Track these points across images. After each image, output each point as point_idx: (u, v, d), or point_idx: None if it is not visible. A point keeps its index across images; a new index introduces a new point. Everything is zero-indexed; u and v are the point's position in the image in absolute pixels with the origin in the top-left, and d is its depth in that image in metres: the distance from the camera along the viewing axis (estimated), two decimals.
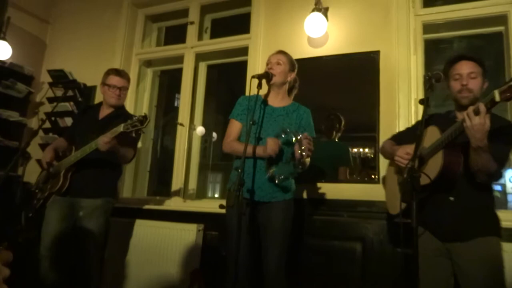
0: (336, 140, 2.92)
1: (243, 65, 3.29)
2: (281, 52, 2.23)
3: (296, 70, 2.23)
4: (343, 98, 2.93)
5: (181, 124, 3.50)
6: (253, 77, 1.99)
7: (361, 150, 3.00)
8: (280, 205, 2.00)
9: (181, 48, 3.72)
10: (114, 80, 2.71)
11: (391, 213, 2.10)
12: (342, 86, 2.94)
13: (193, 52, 3.66)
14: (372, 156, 2.80)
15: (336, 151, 2.92)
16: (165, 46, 3.96)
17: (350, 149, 2.92)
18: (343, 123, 2.93)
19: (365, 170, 2.83)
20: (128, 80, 2.77)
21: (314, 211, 2.71)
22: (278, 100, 2.13)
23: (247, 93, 2.76)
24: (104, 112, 2.74)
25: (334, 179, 2.81)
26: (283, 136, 1.95)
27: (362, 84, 2.86)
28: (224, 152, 2.14)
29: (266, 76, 2.08)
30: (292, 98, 2.24)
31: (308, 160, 1.90)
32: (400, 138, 2.16)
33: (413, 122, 2.62)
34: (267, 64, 2.17)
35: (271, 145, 1.89)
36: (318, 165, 2.53)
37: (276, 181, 1.95)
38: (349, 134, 2.96)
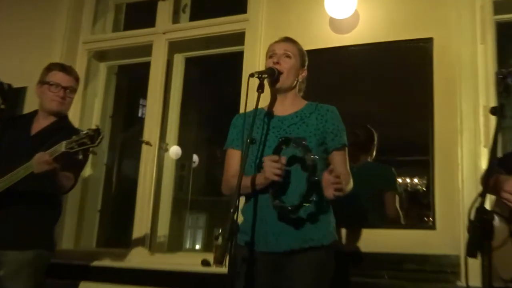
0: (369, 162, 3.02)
1: (237, 59, 3.38)
2: (289, 39, 2.28)
3: (306, 65, 2.30)
4: (378, 106, 3.03)
5: (148, 143, 3.56)
6: (251, 75, 2.04)
7: (407, 180, 3.12)
8: (308, 258, 2.03)
9: (149, 35, 3.81)
10: (58, 77, 2.78)
11: (502, 277, 2.06)
12: (377, 88, 3.03)
13: (166, 40, 3.75)
14: (424, 189, 2.88)
15: (376, 173, 3.03)
16: (125, 32, 4.05)
17: (394, 171, 3.02)
18: (376, 140, 3.02)
19: (414, 210, 2.94)
20: (77, 79, 2.86)
21: (340, 270, 2.63)
22: (286, 107, 2.19)
23: (243, 98, 2.90)
24: (40, 124, 2.78)
25: (373, 220, 2.89)
26: (283, 148, 2.00)
27: (407, 86, 2.96)
28: (224, 194, 2.22)
29: (271, 74, 2.12)
30: (303, 97, 2.31)
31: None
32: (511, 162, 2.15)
33: (482, 138, 2.71)
34: (270, 57, 2.21)
35: (268, 166, 1.93)
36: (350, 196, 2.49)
37: (289, 214, 1.99)
38: (387, 157, 3.05)
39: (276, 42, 2.26)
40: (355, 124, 2.93)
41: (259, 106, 2.07)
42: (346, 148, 2.18)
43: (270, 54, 2.22)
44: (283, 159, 1.93)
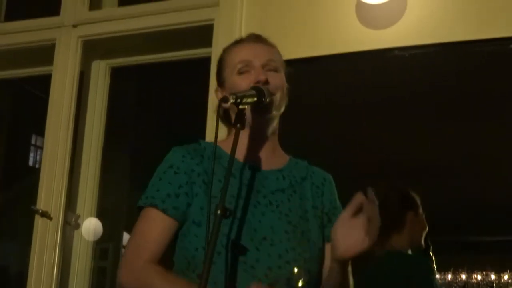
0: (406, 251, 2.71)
1: (199, 70, 3.12)
2: (264, 41, 1.93)
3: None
4: (434, 147, 2.87)
5: (44, 214, 3.06)
6: (224, 100, 1.62)
7: (492, 277, 3.00)
8: None
9: (49, 28, 3.37)
10: None
11: None
12: (437, 118, 2.85)
13: (78, 38, 3.28)
14: None
15: (401, 270, 2.61)
16: (7, 23, 3.62)
17: (435, 273, 2.68)
18: (420, 208, 2.64)
19: None
20: None
21: None
22: (266, 154, 1.88)
23: (209, 134, 2.77)
24: None
25: None
26: (284, 284, 1.65)
27: (494, 112, 2.78)
28: None
29: (258, 97, 1.72)
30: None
31: None
32: None
33: None
34: (241, 72, 1.86)
35: None
36: None
37: None
38: (442, 238, 2.79)
39: (246, 42, 1.92)
40: (387, 178, 2.78)
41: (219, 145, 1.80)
42: None
43: (240, 67, 1.86)
44: None
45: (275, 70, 1.84)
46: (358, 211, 1.62)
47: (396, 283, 2.59)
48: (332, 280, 1.71)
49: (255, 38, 1.91)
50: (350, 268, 1.77)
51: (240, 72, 1.83)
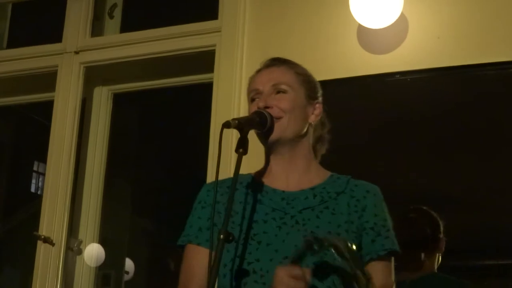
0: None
1: (203, 96, 3.21)
2: (278, 62, 1.95)
3: (321, 98, 2.01)
4: (447, 174, 2.72)
5: (47, 240, 3.05)
6: (226, 125, 1.70)
7: None
8: None
9: (51, 55, 3.37)
10: None
11: None
12: (444, 142, 2.75)
13: (80, 65, 3.29)
14: None
15: None
16: (9, 50, 3.65)
17: None
18: (441, 230, 2.59)
19: None
20: None
21: None
22: (296, 175, 1.88)
23: (212, 159, 2.86)
24: None
25: None
26: (309, 254, 1.64)
27: (500, 137, 2.68)
28: None
29: (260, 121, 1.78)
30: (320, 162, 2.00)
31: None
32: None
33: None
34: (253, 99, 1.91)
35: (285, 285, 1.56)
36: None
37: None
38: (463, 262, 2.72)
39: (259, 71, 1.94)
40: (406, 204, 2.66)
41: (245, 172, 1.86)
42: (393, 258, 1.85)
43: (252, 96, 1.91)
44: (308, 273, 1.57)
45: (284, 91, 1.84)
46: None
47: None
48: None
49: (270, 62, 1.93)
50: None
51: (252, 100, 1.88)
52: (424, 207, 2.59)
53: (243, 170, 1.77)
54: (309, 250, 1.62)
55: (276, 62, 1.93)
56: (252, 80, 1.93)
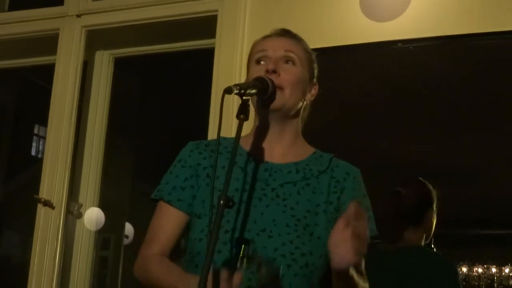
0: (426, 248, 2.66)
1: (204, 61, 3.18)
2: (289, 34, 1.95)
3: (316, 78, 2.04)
4: (444, 143, 2.85)
5: (47, 203, 3.10)
6: (228, 91, 1.66)
7: (493, 270, 3.02)
8: None
9: (52, 18, 3.40)
10: None
11: None
12: (444, 113, 2.82)
13: (81, 28, 3.32)
14: None
15: (424, 273, 2.54)
16: (10, 13, 3.65)
17: (458, 270, 2.80)
18: (433, 203, 2.61)
19: None
20: None
21: None
22: (281, 148, 1.90)
23: (212, 125, 2.90)
24: None
25: None
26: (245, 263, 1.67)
27: (500, 109, 2.72)
28: (136, 277, 1.84)
29: (262, 88, 1.76)
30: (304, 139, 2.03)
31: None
32: None
33: None
34: (259, 61, 1.89)
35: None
36: None
37: None
38: (444, 231, 2.68)
39: (268, 37, 1.94)
40: (400, 174, 2.72)
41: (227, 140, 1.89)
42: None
43: (258, 57, 1.90)
44: (238, 278, 1.54)
45: (292, 62, 1.87)
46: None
47: (423, 280, 2.55)
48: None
49: (281, 32, 1.95)
50: (357, 274, 1.72)
51: (257, 62, 1.88)
52: (420, 178, 2.61)
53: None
54: (245, 257, 1.67)
55: (287, 33, 1.94)
56: (259, 43, 1.94)
